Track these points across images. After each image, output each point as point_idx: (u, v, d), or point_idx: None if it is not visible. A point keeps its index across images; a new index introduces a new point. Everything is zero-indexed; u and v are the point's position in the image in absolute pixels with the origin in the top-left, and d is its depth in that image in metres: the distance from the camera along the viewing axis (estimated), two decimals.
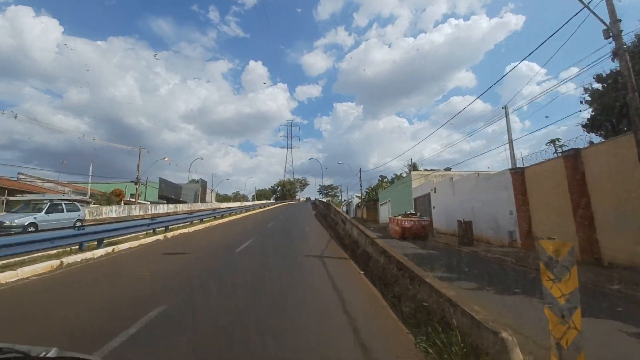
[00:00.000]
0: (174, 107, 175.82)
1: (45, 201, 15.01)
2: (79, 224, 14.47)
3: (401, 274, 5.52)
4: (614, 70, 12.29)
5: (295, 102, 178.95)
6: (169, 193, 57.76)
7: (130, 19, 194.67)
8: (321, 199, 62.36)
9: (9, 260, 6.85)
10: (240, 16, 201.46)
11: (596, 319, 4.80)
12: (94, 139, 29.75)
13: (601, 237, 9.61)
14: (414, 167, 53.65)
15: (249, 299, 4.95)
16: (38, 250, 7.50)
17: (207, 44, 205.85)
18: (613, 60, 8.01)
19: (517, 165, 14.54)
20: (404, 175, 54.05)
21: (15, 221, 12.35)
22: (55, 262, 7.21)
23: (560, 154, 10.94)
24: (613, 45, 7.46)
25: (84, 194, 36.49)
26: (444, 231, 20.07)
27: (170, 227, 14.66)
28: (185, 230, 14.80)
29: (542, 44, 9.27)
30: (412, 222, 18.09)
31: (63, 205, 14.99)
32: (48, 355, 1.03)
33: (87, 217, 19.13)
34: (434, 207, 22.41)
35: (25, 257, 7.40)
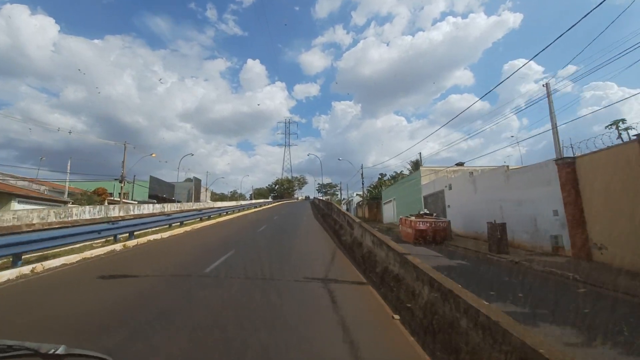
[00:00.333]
0: (172, 105, 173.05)
1: None
2: None
3: (480, 333, 2.90)
4: None
5: (293, 101, 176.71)
6: (161, 192, 55.00)
7: (127, 17, 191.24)
8: (320, 198, 59.64)
9: None
10: (238, 14, 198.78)
11: None
12: (69, 132, 26.97)
13: None
14: (416, 165, 51.23)
15: None
16: None
17: (204, 42, 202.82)
18: None
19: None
20: (405, 173, 51.58)
21: None
22: None
23: (637, 137, 8.38)
24: None
25: (63, 193, 33.77)
26: (463, 234, 17.48)
27: (137, 232, 12.00)
28: (157, 237, 12.13)
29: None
30: (428, 224, 15.49)
31: None
32: (57, 352, 1.06)
33: (48, 219, 16.44)
34: (448, 206, 19.81)
35: None
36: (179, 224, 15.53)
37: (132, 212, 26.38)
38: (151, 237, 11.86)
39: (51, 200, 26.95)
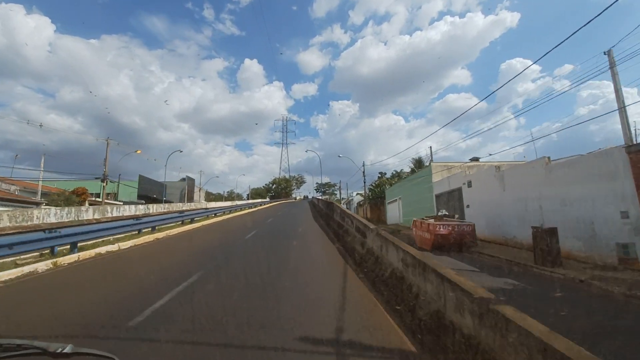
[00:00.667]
0: (169, 105, 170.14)
1: None
2: None
3: None
4: None
5: (291, 101, 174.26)
6: (151, 192, 52.21)
7: (123, 17, 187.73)
8: (319, 197, 56.86)
9: None
10: (236, 14, 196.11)
11: None
12: (40, 125, 24.22)
13: None
14: (419, 162, 48.75)
15: None
16: None
17: (202, 42, 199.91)
18: None
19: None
20: (406, 172, 48.98)
21: None
22: None
23: None
24: None
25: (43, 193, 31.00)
26: (487, 238, 14.95)
27: (88, 241, 9.39)
28: (113, 248, 9.50)
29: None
30: (450, 228, 12.95)
31: None
32: (64, 350, 1.08)
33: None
34: (467, 207, 17.30)
35: None
36: (149, 229, 12.89)
37: (109, 214, 23.71)
38: (105, 249, 9.23)
39: (20, 201, 24.22)
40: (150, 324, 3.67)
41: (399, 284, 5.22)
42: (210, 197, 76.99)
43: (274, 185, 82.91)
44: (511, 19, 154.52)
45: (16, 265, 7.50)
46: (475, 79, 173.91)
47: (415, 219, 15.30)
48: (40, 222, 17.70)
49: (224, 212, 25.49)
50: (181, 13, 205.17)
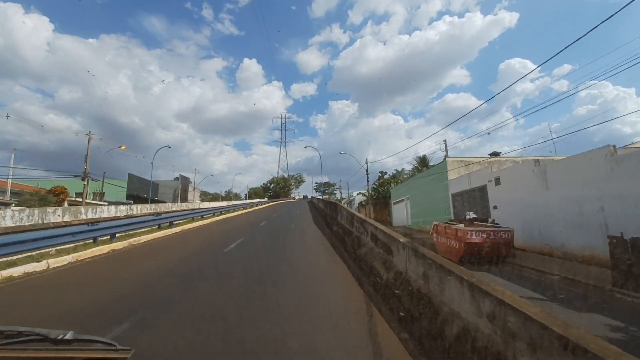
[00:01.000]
0: (168, 105, 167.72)
1: None
2: None
3: None
4: None
5: (290, 100, 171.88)
6: (142, 192, 49.57)
7: (122, 17, 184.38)
8: (319, 197, 54.09)
9: None
10: (234, 14, 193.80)
11: None
12: (7, 116, 21.60)
13: None
14: (423, 161, 46.22)
15: None
16: None
17: (201, 41, 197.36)
18: None
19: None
20: (408, 171, 46.29)
21: None
22: None
23: None
24: None
25: (18, 192, 28.36)
26: (523, 246, 12.37)
27: (14, 256, 6.79)
28: (41, 267, 6.91)
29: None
30: (485, 235, 10.40)
31: None
32: (65, 337, 1.12)
33: None
34: (494, 208, 14.74)
35: None
36: (108, 236, 10.29)
37: (83, 216, 21.09)
38: (28, 269, 6.64)
39: None
40: None
41: None
42: (207, 197, 74.35)
43: (272, 185, 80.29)
44: (510, 19, 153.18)
45: None
46: (474, 79, 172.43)
47: (436, 222, 12.72)
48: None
49: (213, 213, 22.88)
50: (180, 13, 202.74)
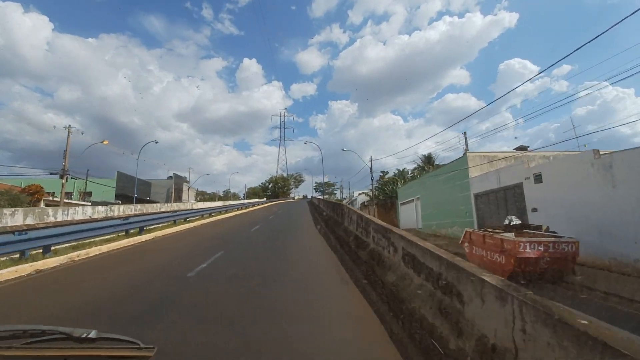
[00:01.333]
0: (168, 105, 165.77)
1: None
2: None
3: None
4: None
5: (290, 100, 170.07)
6: (132, 191, 46.98)
7: (122, 16, 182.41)
8: (319, 197, 51.32)
9: None
10: (234, 14, 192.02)
11: None
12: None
13: None
14: (428, 159, 43.65)
15: None
16: None
17: (201, 41, 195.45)
18: None
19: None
20: (412, 169, 43.60)
21: None
22: None
23: None
24: None
25: None
26: (578, 259, 9.81)
27: None
28: None
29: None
30: (543, 248, 7.84)
31: None
32: (89, 336, 1.11)
33: None
34: (534, 210, 12.18)
35: None
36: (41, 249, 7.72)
37: (51, 219, 18.49)
38: None
39: None
40: None
41: None
42: (205, 196, 71.85)
43: (271, 184, 77.69)
44: (509, 19, 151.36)
45: None
46: (473, 79, 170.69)
47: (468, 229, 10.15)
48: None
49: (201, 215, 20.31)
50: (180, 12, 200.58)
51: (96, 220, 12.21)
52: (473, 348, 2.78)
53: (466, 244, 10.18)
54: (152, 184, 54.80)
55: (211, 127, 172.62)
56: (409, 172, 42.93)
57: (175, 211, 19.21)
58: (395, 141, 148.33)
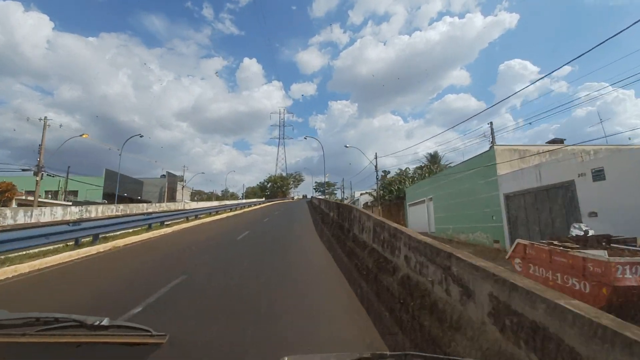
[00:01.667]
0: (168, 104, 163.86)
1: None
2: None
3: None
4: None
5: (290, 100, 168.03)
6: (123, 190, 44.46)
7: (122, 16, 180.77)
8: (319, 197, 48.50)
9: None
10: (235, 13, 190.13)
11: None
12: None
13: None
14: (433, 158, 41.14)
15: None
16: None
17: (201, 41, 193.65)
18: None
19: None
20: (410, 170, 40.89)
21: None
22: None
23: None
24: None
25: None
26: None
27: None
28: None
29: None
30: None
31: None
32: (102, 323, 1.13)
33: None
34: (592, 214, 9.71)
35: None
36: None
37: (9, 222, 16.00)
38: None
39: None
40: None
41: None
42: (203, 196, 69.42)
43: (270, 184, 75.14)
44: (510, 20, 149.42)
45: None
46: (474, 80, 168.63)
47: (521, 241, 7.64)
48: None
49: (187, 218, 17.81)
50: (180, 12, 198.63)
51: (35, 227, 9.71)
52: None
53: (517, 261, 7.68)
54: (144, 182, 52.33)
55: (211, 126, 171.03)
56: (410, 172, 40.58)
57: (151, 213, 16.68)
58: (395, 142, 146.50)
